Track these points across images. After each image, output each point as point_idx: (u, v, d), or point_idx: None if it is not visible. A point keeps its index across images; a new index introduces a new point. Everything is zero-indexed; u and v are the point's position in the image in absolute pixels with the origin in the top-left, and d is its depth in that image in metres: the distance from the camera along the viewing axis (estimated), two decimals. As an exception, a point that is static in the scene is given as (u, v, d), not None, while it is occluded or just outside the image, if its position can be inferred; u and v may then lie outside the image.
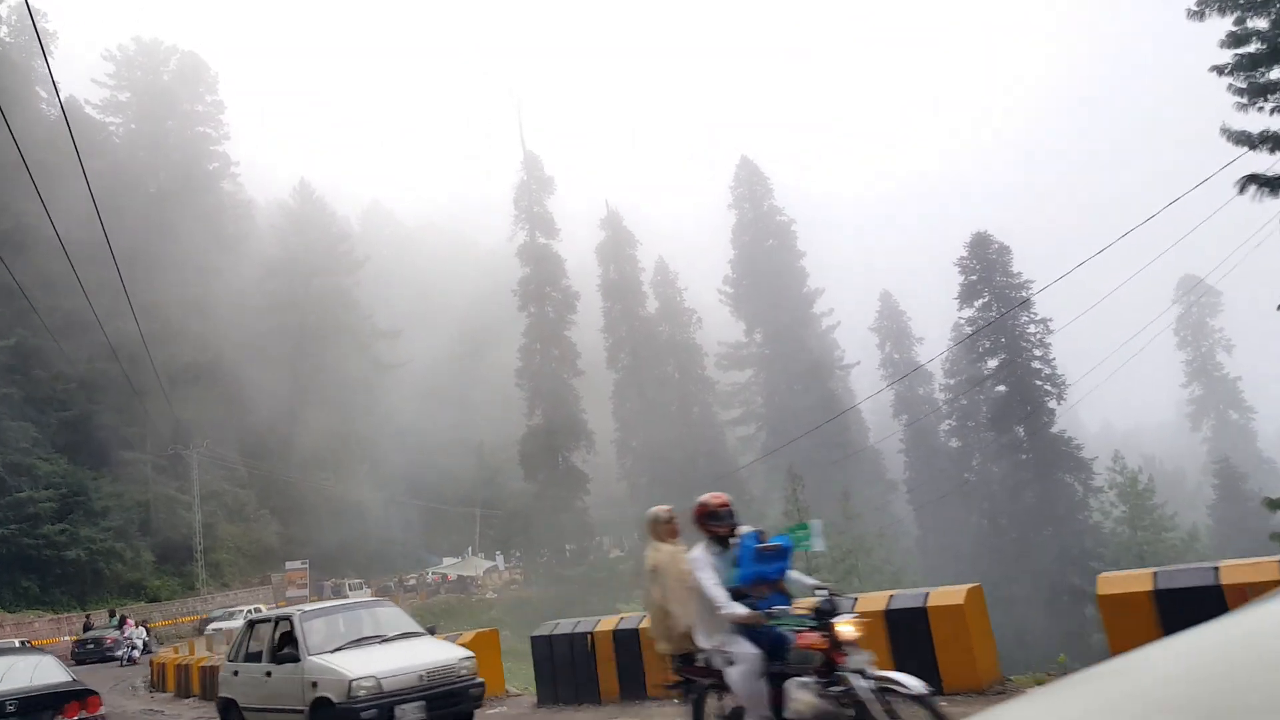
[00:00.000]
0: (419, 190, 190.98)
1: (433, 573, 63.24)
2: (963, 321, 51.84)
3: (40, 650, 11.92)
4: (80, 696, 9.16)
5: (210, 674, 17.17)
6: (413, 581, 61.01)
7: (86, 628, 36.29)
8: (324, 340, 72.86)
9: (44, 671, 9.65)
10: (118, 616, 36.68)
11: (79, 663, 30.97)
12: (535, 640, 11.51)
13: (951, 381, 57.54)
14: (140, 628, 35.10)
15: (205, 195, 69.21)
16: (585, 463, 60.90)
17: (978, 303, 51.28)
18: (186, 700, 19.48)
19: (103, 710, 9.48)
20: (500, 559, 69.50)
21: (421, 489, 77.71)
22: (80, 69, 70.83)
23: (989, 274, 51.00)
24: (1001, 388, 50.78)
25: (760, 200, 66.34)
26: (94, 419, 55.14)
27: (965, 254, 51.95)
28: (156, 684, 23.29)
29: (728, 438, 67.68)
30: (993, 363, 51.25)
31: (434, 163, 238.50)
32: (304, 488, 69.36)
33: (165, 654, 26.16)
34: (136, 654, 31.41)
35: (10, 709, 8.57)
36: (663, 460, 59.98)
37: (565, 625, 11.50)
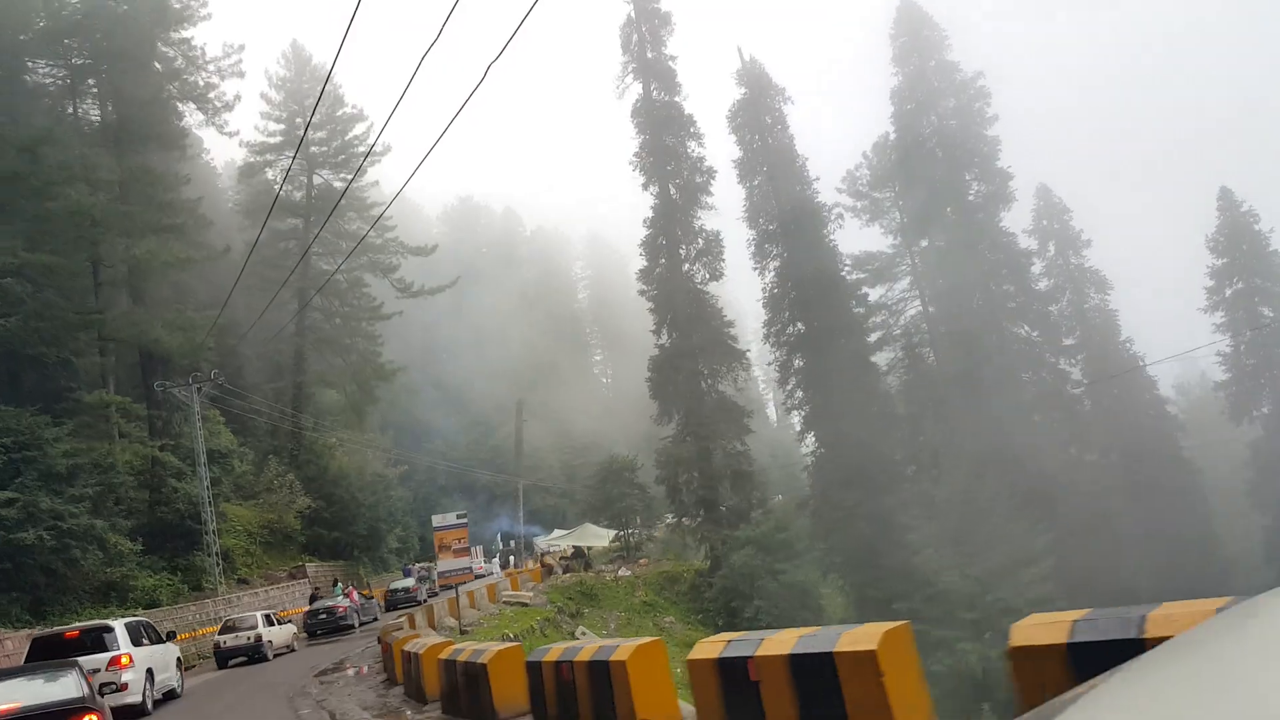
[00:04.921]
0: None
1: (547, 546, 46.38)
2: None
3: (72, 665, 11.44)
4: (78, 713, 9.79)
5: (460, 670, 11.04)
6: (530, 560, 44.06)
7: (313, 598, 35.54)
8: (336, 254, 54.36)
9: (60, 687, 10.36)
10: (340, 584, 37.05)
11: (310, 635, 31.52)
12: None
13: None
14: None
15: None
16: (740, 392, 45.34)
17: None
18: (426, 708, 12.44)
19: None
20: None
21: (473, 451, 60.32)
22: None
23: None
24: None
25: (929, 54, 51.62)
26: (37, 340, 35.94)
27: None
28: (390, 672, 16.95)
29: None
30: None
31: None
32: (320, 449, 51.14)
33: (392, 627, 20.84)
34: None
35: None
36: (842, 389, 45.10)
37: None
